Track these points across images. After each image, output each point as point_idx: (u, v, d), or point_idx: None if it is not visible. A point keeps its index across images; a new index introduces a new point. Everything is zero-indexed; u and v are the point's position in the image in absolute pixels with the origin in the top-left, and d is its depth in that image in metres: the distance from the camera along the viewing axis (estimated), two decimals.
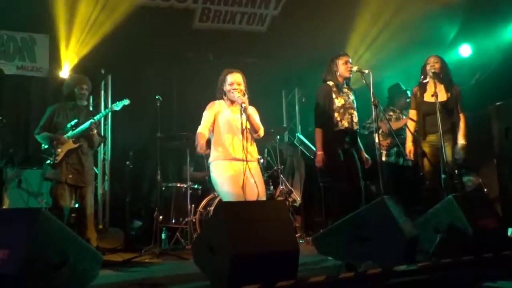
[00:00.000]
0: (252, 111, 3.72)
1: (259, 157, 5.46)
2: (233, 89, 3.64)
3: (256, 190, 3.54)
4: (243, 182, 3.49)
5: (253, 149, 3.69)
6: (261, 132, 3.70)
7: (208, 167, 3.76)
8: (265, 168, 5.67)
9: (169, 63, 6.64)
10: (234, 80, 3.68)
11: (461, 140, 4.37)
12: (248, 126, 3.56)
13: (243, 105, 3.51)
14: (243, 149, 3.48)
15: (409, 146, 4.51)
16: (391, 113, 5.44)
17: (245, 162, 3.46)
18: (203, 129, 3.64)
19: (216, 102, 3.75)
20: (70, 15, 5.62)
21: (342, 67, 4.27)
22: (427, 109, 4.43)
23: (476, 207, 3.58)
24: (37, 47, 5.92)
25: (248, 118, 3.56)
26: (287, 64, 6.91)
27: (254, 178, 3.53)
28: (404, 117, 5.31)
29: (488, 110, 5.07)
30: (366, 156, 4.36)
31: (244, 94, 3.65)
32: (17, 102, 5.99)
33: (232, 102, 3.69)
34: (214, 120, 3.68)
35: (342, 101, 4.23)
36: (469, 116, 4.56)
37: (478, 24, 6.00)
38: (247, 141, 3.53)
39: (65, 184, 4.36)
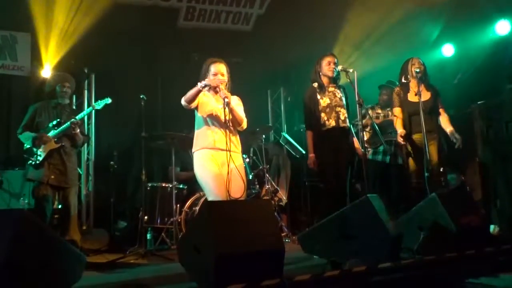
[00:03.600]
0: (236, 102, 3.69)
1: (244, 156, 5.49)
2: (218, 79, 3.60)
3: (240, 181, 3.51)
4: (228, 173, 3.46)
5: (237, 141, 3.69)
6: (244, 124, 3.69)
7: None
8: (251, 168, 5.66)
9: (154, 62, 6.59)
10: (218, 71, 3.65)
11: (449, 127, 4.41)
12: (231, 117, 3.54)
13: (226, 99, 3.49)
14: (226, 139, 3.47)
15: (402, 131, 4.47)
16: (379, 111, 5.48)
17: (228, 153, 3.44)
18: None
19: (204, 91, 3.70)
20: (52, 14, 5.54)
21: (325, 68, 4.32)
22: (411, 109, 4.49)
23: (459, 205, 3.63)
24: (19, 46, 5.82)
25: (231, 111, 3.55)
26: (272, 63, 6.91)
27: (239, 170, 3.52)
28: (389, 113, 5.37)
29: (470, 109, 5.14)
30: (362, 150, 4.35)
31: (227, 85, 3.63)
32: None
33: (216, 92, 3.64)
34: (198, 103, 3.64)
35: (328, 101, 4.26)
36: (451, 115, 4.62)
37: (461, 24, 6.08)
38: (230, 132, 3.54)
39: (47, 185, 4.29)
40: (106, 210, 5.63)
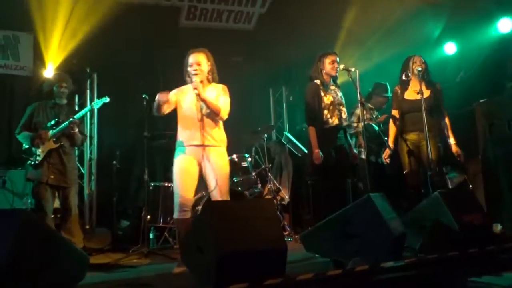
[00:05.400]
0: (217, 92, 3.59)
1: (246, 155, 5.48)
2: (193, 70, 3.54)
3: (212, 177, 3.48)
4: (200, 170, 3.45)
5: (216, 133, 3.58)
6: (223, 114, 3.55)
7: None
8: (253, 167, 5.67)
9: (156, 61, 6.59)
10: (194, 61, 3.57)
11: (452, 140, 4.42)
12: (206, 110, 3.50)
13: (195, 91, 3.44)
14: (200, 133, 3.43)
15: (391, 147, 4.53)
16: (364, 111, 5.45)
17: (201, 148, 3.43)
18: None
19: (185, 86, 3.68)
20: (54, 13, 5.54)
21: (328, 66, 4.30)
22: (408, 107, 4.49)
23: (462, 203, 3.63)
24: (21, 46, 5.83)
25: (205, 102, 3.47)
26: (274, 62, 6.92)
27: (213, 165, 3.47)
28: (379, 116, 5.38)
29: (472, 107, 5.13)
30: (355, 152, 4.39)
31: (210, 74, 3.58)
32: (0, 101, 5.90)
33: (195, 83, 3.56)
34: (176, 101, 3.62)
35: (331, 99, 4.26)
36: (454, 114, 4.61)
37: (463, 22, 6.06)
38: (206, 125, 3.48)
39: (46, 185, 4.30)
40: (108, 209, 5.63)
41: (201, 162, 3.51)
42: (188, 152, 3.53)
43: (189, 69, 3.59)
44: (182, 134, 3.58)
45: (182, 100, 3.62)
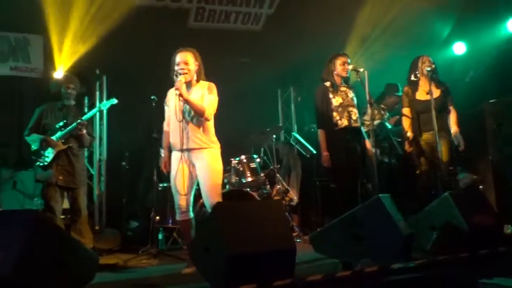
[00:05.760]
0: (202, 91, 3.53)
1: (255, 156, 5.48)
2: (180, 69, 3.49)
3: (207, 181, 3.46)
4: (192, 172, 3.47)
5: (202, 135, 3.50)
6: (208, 115, 3.47)
7: None
8: (262, 168, 5.67)
9: (164, 63, 6.60)
10: (181, 60, 3.52)
11: (454, 127, 4.41)
12: (190, 112, 3.47)
13: (176, 91, 3.40)
14: (180, 136, 3.40)
15: (410, 135, 4.50)
16: (376, 111, 5.44)
17: (186, 151, 3.44)
18: (164, 126, 3.66)
19: (169, 91, 3.67)
20: (64, 16, 5.58)
21: (339, 67, 4.32)
22: (420, 107, 4.47)
23: (472, 204, 3.60)
24: (31, 48, 5.87)
25: (187, 102, 3.42)
26: (282, 63, 6.91)
27: (197, 167, 3.46)
28: (390, 117, 5.36)
29: (482, 107, 5.10)
30: (373, 150, 4.37)
31: (197, 73, 3.54)
32: (10, 103, 5.96)
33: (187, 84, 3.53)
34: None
35: (340, 100, 4.26)
36: (463, 114, 4.59)
37: (472, 22, 6.03)
38: (189, 128, 3.45)
39: (55, 186, 4.32)
40: (118, 210, 5.67)
41: (188, 165, 3.50)
42: (176, 156, 3.52)
43: (176, 68, 3.53)
44: (170, 138, 3.59)
45: (170, 102, 3.63)
